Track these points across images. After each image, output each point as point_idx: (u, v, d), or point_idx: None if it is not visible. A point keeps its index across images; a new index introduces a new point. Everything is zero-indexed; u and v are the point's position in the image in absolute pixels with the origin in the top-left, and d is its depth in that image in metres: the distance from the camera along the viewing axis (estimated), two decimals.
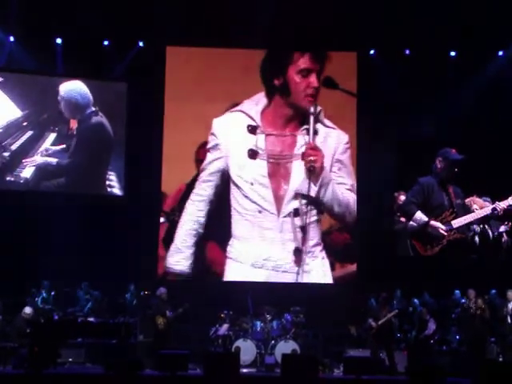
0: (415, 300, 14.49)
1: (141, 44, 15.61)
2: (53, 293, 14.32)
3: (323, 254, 15.10)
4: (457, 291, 14.44)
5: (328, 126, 15.24)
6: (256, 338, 13.78)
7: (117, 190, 15.50)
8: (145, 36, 15.53)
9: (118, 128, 15.49)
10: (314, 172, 14.85)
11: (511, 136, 15.08)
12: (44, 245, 14.62)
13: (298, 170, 15.08)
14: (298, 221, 14.99)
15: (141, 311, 14.10)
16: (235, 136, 15.28)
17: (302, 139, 15.14)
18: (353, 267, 15.30)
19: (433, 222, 14.66)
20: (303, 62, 15.12)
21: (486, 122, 15.10)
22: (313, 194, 14.92)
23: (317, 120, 15.09)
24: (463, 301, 14.19)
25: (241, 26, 14.96)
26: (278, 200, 15.04)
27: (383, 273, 14.64)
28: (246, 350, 13.44)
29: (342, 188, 15.10)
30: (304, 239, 14.98)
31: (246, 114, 15.27)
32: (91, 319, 13.91)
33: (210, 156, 15.27)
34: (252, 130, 15.20)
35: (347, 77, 15.61)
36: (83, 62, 15.18)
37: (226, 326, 13.86)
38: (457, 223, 14.58)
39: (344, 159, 15.20)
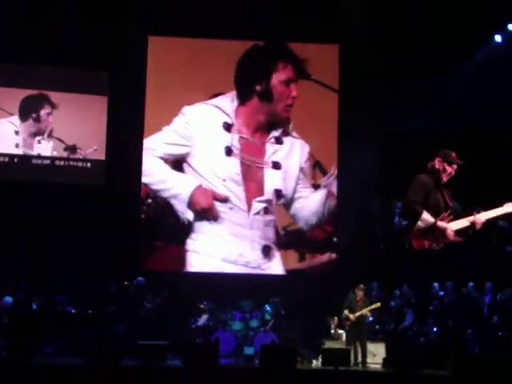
0: (396, 291, 14.56)
1: (123, 33, 15.52)
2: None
3: (280, 251, 15.36)
4: (435, 284, 14.53)
5: (293, 137, 15.49)
6: (235, 329, 13.82)
7: (97, 180, 15.45)
8: (127, 25, 15.41)
9: (98, 118, 15.43)
10: None
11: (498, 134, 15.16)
12: (24, 234, 14.58)
13: (270, 178, 15.29)
14: (266, 218, 15.20)
15: (120, 301, 14.06)
16: (209, 130, 15.37)
17: (271, 148, 15.37)
18: (323, 257, 15.44)
19: (440, 223, 14.69)
20: (286, 72, 15.31)
21: (475, 121, 15.12)
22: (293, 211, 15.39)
23: (285, 132, 15.42)
24: (441, 293, 14.31)
25: (223, 16, 14.95)
26: (249, 199, 15.20)
27: (364, 266, 14.70)
28: (225, 340, 13.45)
29: (310, 194, 15.44)
30: (272, 236, 15.25)
31: (222, 111, 15.37)
32: (70, 309, 13.89)
33: (174, 137, 15.28)
34: (227, 127, 15.32)
35: (328, 70, 15.65)
36: (64, 49, 15.08)
37: (205, 316, 13.89)
38: (455, 226, 14.64)
39: (306, 166, 15.51)
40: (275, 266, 15.30)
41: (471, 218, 14.59)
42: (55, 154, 15.41)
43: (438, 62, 15.19)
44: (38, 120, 15.43)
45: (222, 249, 15.18)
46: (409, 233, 15.04)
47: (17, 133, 15.36)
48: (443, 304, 14.10)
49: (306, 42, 15.61)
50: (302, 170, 15.48)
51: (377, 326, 14.15)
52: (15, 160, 15.36)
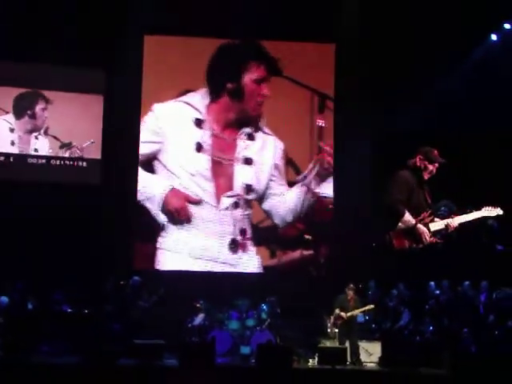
0: (393, 291, 14.56)
1: (119, 32, 15.47)
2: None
3: (254, 247, 15.38)
4: (431, 283, 14.53)
5: (266, 133, 15.50)
6: (232, 328, 13.82)
7: (93, 179, 15.42)
8: (123, 24, 15.37)
9: (94, 117, 15.41)
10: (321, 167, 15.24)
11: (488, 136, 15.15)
12: (19, 234, 14.56)
13: (241, 173, 15.33)
14: (236, 213, 15.24)
15: (117, 301, 14.05)
16: (180, 127, 15.43)
17: (242, 143, 15.41)
18: (295, 254, 15.48)
19: (419, 226, 14.60)
20: (259, 72, 15.39)
21: (471, 120, 15.11)
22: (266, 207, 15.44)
23: (257, 128, 15.44)
24: (437, 292, 14.33)
25: (220, 15, 14.99)
26: (218, 195, 15.27)
27: (359, 264, 14.71)
28: (222, 340, 13.44)
29: (286, 192, 15.46)
30: (241, 231, 15.28)
31: (193, 107, 15.40)
32: (67, 309, 13.87)
33: (144, 135, 15.40)
34: (198, 123, 15.36)
35: (324, 69, 15.66)
36: (60, 49, 15.05)
37: (201, 315, 13.89)
38: (434, 227, 14.56)
39: (280, 163, 15.54)
40: (248, 263, 15.33)
41: (446, 221, 14.49)
42: (51, 151, 15.39)
43: (434, 61, 15.22)
44: (33, 117, 15.41)
45: (189, 244, 15.22)
46: (390, 232, 15.00)
47: (12, 130, 15.34)
48: (439, 303, 14.11)
49: (302, 41, 15.63)
50: (276, 166, 15.50)
51: (373, 325, 14.17)
52: (11, 159, 15.33)
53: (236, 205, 15.25)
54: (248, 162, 15.39)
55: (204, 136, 15.36)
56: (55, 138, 15.41)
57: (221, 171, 15.36)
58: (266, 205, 15.44)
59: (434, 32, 14.95)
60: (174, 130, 15.43)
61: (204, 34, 15.50)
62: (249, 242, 15.36)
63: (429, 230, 14.83)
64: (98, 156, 15.46)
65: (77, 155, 15.45)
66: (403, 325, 13.95)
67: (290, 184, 15.56)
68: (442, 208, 14.64)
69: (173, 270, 15.20)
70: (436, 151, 14.75)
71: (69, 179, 15.33)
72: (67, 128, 15.48)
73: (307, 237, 15.52)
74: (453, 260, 14.59)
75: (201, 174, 15.28)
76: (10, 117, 15.33)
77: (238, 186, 15.32)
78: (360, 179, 15.16)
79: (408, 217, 14.30)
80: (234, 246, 15.26)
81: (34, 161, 15.39)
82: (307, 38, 15.55)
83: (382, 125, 15.26)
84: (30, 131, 15.40)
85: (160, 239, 15.24)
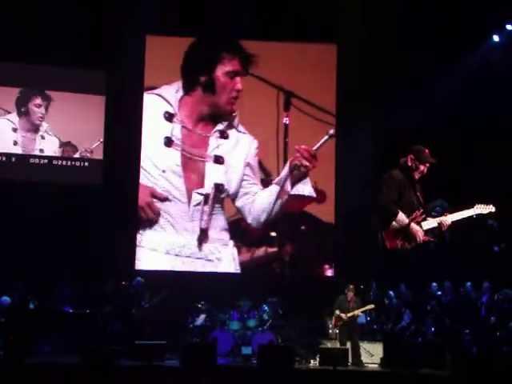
0: (393, 292, 14.54)
1: (120, 33, 15.49)
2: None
3: (232, 241, 15.31)
4: (434, 284, 14.52)
5: (240, 131, 15.41)
6: (233, 329, 13.83)
7: (95, 179, 15.43)
8: (124, 25, 15.38)
9: (96, 117, 15.42)
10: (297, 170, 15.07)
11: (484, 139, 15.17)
12: (21, 234, 14.56)
13: (211, 172, 15.23)
14: (206, 208, 15.13)
15: (118, 301, 14.06)
16: (150, 120, 15.39)
17: (214, 141, 15.31)
18: (260, 251, 15.40)
19: (413, 226, 14.53)
20: (232, 65, 15.27)
21: (472, 120, 15.12)
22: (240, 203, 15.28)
23: (230, 125, 15.34)
24: (439, 293, 14.32)
25: (221, 15, 14.99)
26: (189, 191, 15.17)
27: (360, 265, 14.70)
28: (223, 340, 13.46)
29: (260, 191, 15.31)
30: (210, 226, 15.17)
31: (165, 100, 15.33)
32: (67, 309, 13.88)
33: None
34: (169, 117, 15.27)
35: (326, 70, 15.63)
36: (61, 49, 15.06)
37: (203, 316, 13.90)
38: (426, 225, 14.49)
39: (253, 163, 15.42)
40: (218, 261, 15.24)
41: (439, 219, 14.43)
42: (56, 152, 15.39)
43: (434, 61, 15.23)
44: (27, 113, 15.39)
45: (165, 242, 15.14)
46: (382, 232, 14.91)
47: (15, 130, 15.34)
48: (441, 304, 14.11)
49: (304, 41, 15.62)
50: (249, 165, 15.37)
51: (374, 326, 14.16)
52: (12, 159, 15.33)
53: (206, 201, 15.09)
54: (219, 161, 15.24)
55: (174, 130, 15.24)
56: (56, 137, 15.42)
57: (192, 167, 15.21)
58: (239, 203, 15.27)
59: (434, 32, 14.97)
60: (145, 124, 15.37)
61: (206, 35, 15.48)
62: (221, 239, 15.26)
63: (421, 228, 14.79)
64: (100, 156, 15.47)
65: (88, 156, 15.45)
66: (405, 326, 13.95)
67: (265, 184, 15.36)
68: (437, 208, 14.55)
69: (172, 270, 15.15)
70: (427, 151, 14.67)
71: (71, 180, 15.34)
72: (69, 128, 15.49)
73: (273, 234, 15.45)
74: (453, 261, 14.57)
75: (171, 170, 15.15)
76: (13, 116, 15.32)
77: (209, 185, 15.19)
78: (359, 179, 15.13)
79: (401, 216, 14.22)
80: (200, 240, 15.13)
81: (36, 161, 15.39)
82: (309, 38, 15.52)
83: (382, 125, 15.24)
84: (28, 129, 15.37)
85: (138, 236, 15.21)
